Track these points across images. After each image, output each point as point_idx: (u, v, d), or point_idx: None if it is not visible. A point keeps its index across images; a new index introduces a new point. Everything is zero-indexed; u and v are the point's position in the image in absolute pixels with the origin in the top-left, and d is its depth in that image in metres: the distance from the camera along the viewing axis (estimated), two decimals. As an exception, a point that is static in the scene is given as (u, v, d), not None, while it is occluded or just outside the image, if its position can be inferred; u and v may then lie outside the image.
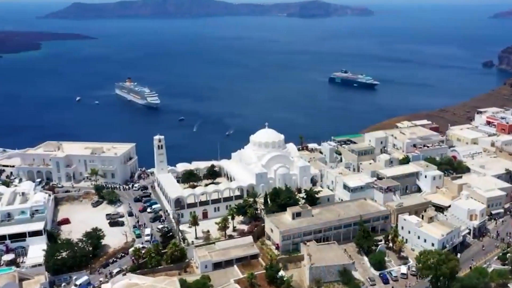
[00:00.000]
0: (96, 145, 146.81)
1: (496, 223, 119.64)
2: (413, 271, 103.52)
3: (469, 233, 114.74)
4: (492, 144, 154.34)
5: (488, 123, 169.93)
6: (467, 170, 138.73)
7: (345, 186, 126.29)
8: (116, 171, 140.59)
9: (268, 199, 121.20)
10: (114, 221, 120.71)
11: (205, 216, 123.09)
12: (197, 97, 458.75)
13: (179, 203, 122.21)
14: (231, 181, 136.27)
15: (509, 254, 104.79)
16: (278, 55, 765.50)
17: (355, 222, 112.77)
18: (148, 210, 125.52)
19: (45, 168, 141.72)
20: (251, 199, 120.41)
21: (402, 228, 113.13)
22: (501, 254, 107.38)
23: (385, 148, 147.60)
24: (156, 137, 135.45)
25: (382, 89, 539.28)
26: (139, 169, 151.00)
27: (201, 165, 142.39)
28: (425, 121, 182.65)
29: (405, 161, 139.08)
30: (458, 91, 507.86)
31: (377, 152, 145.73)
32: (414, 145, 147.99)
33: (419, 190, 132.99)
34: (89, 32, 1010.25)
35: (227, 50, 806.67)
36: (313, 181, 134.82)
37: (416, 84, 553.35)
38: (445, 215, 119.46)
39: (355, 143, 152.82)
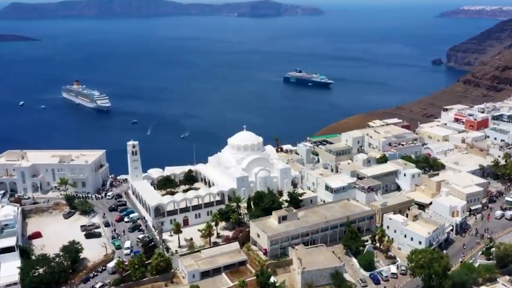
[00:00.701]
0: (64, 153, 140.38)
1: (476, 219, 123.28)
2: (402, 270, 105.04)
3: (451, 230, 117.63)
4: (463, 141, 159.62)
5: (456, 120, 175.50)
6: (442, 167, 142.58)
7: (327, 187, 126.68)
8: (87, 179, 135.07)
9: (252, 204, 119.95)
10: (90, 233, 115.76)
11: (185, 223, 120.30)
12: (149, 98, 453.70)
13: (158, 211, 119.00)
14: (209, 186, 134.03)
15: (493, 249, 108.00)
16: (230, 55, 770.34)
17: (341, 223, 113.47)
18: (126, 219, 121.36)
19: (8, 179, 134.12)
20: (234, 204, 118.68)
21: (388, 227, 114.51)
22: (484, 249, 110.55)
23: (362, 148, 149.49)
24: (130, 142, 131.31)
25: (336, 88, 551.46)
26: (110, 176, 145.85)
27: (177, 170, 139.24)
28: (395, 120, 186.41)
29: (383, 160, 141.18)
30: (411, 89, 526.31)
31: (354, 152, 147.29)
32: (389, 144, 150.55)
33: (398, 188, 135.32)
34: (31, 33, 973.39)
35: (178, 51, 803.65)
36: (293, 183, 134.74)
37: (370, 82, 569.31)
38: (427, 213, 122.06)
39: (331, 143, 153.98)
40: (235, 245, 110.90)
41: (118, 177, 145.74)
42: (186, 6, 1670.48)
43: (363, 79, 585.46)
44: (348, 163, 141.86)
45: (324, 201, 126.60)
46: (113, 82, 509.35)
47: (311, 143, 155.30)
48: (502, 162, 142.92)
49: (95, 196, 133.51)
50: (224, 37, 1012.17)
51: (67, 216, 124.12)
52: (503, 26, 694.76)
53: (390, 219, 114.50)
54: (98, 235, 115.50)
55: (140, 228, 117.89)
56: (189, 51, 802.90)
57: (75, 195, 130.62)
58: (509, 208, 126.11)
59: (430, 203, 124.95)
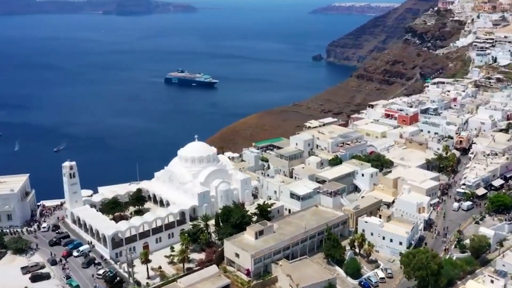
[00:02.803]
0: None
1: (437, 213, 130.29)
2: (389, 273, 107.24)
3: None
4: (400, 136, 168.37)
5: (387, 116, 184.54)
6: (391, 164, 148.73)
7: (293, 195, 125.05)
8: (14, 211, 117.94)
9: (220, 221, 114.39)
10: (37, 275, 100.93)
11: (146, 250, 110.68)
12: (12, 107, 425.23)
13: (113, 240, 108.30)
14: (161, 205, 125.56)
15: (466, 241, 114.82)
16: (100, 56, 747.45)
17: (319, 232, 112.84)
18: (75, 253, 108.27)
19: None
20: (202, 223, 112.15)
21: (363, 230, 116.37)
22: (456, 242, 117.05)
23: (313, 150, 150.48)
24: (66, 163, 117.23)
25: (222, 87, 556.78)
26: (38, 204, 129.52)
27: (120, 190, 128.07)
28: (331, 119, 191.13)
29: (337, 161, 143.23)
30: (299, 85, 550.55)
31: (305, 155, 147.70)
32: (337, 144, 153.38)
33: (355, 189, 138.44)
34: None
35: (36, 52, 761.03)
36: (252, 194, 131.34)
37: (255, 79, 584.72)
38: (393, 211, 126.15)
39: (278, 147, 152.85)
40: (213, 268, 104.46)
41: (46, 204, 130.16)
42: (40, 3, 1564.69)
43: (248, 77, 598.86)
44: (303, 167, 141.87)
45: (290, 210, 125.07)
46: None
47: (258, 149, 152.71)
48: (444, 154, 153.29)
49: (27, 229, 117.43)
50: (90, 36, 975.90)
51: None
52: (376, 21, 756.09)
53: (366, 222, 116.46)
54: (47, 277, 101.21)
55: (96, 262, 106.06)
56: (50, 52, 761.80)
57: (1, 231, 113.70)
58: (463, 199, 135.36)
59: (393, 202, 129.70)
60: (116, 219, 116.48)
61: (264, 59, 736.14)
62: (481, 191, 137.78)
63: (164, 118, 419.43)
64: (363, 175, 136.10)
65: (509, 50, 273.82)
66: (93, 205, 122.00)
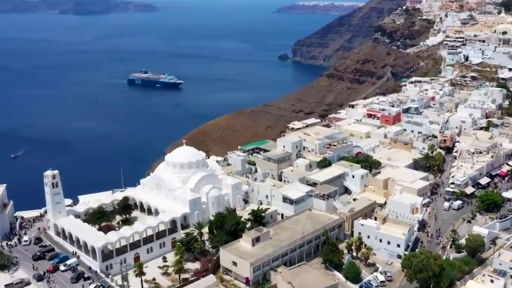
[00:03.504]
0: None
1: (429, 214, 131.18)
2: (389, 276, 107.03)
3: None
4: (385, 136, 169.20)
5: (370, 116, 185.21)
6: (379, 164, 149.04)
7: (286, 199, 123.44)
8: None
9: (214, 228, 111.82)
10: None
11: (137, 261, 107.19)
12: None
13: (102, 252, 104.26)
14: (148, 213, 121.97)
15: (461, 241, 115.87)
16: (56, 56, 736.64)
17: (315, 236, 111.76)
18: (61, 268, 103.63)
19: None
20: (196, 231, 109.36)
21: (360, 233, 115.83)
22: (451, 242, 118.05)
23: (300, 152, 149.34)
24: (48, 172, 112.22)
25: (188, 88, 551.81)
26: (16, 216, 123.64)
27: (106, 199, 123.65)
28: (313, 119, 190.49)
29: (325, 163, 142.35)
30: (268, 85, 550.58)
31: (293, 158, 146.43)
32: (324, 146, 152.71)
33: (346, 191, 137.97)
34: None
35: None
36: (243, 199, 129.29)
37: (222, 79, 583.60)
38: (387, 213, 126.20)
39: (265, 150, 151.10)
40: (211, 278, 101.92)
41: (24, 215, 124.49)
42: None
43: (214, 77, 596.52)
44: (292, 170, 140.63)
45: (282, 215, 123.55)
46: None
47: (244, 152, 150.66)
48: (430, 153, 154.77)
49: (7, 243, 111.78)
50: (46, 36, 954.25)
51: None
52: (341, 20, 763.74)
53: (362, 225, 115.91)
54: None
55: (86, 276, 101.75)
56: (3, 53, 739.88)
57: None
58: (453, 198, 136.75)
59: (385, 203, 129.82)
60: (104, 230, 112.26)
61: (230, 59, 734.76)
62: (469, 190, 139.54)
63: (130, 121, 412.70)
64: (353, 176, 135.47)
65: (480, 49, 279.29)
66: (77, 216, 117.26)
